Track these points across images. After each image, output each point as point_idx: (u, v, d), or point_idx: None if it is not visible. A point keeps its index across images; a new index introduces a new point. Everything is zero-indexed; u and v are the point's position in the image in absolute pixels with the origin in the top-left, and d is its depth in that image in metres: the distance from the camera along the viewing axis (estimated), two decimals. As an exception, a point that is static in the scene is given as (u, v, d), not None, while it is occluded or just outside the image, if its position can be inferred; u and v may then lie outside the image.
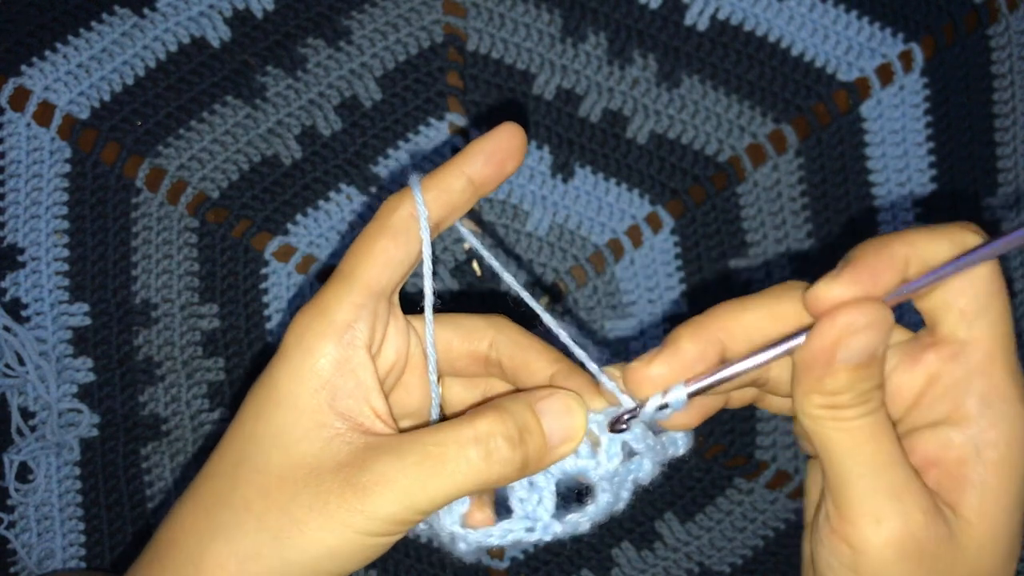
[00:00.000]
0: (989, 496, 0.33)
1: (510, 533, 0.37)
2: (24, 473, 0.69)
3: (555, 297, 0.71)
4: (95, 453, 0.69)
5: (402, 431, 0.37)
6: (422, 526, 0.38)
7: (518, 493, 0.37)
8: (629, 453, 0.38)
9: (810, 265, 0.71)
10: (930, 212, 0.72)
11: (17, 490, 0.69)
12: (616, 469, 0.37)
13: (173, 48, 0.68)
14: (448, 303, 0.69)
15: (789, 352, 0.34)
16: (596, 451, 0.37)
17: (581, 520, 0.38)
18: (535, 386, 0.39)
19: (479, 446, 0.34)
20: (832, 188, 0.71)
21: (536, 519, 0.37)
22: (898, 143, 0.71)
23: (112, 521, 0.70)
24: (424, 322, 0.39)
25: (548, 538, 0.38)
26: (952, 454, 0.34)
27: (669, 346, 0.36)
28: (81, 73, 0.68)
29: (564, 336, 0.39)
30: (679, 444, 0.39)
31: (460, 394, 0.42)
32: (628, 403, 0.37)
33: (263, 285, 0.70)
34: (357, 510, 0.34)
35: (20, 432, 0.68)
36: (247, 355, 0.70)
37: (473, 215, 0.70)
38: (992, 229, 0.73)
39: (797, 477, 0.72)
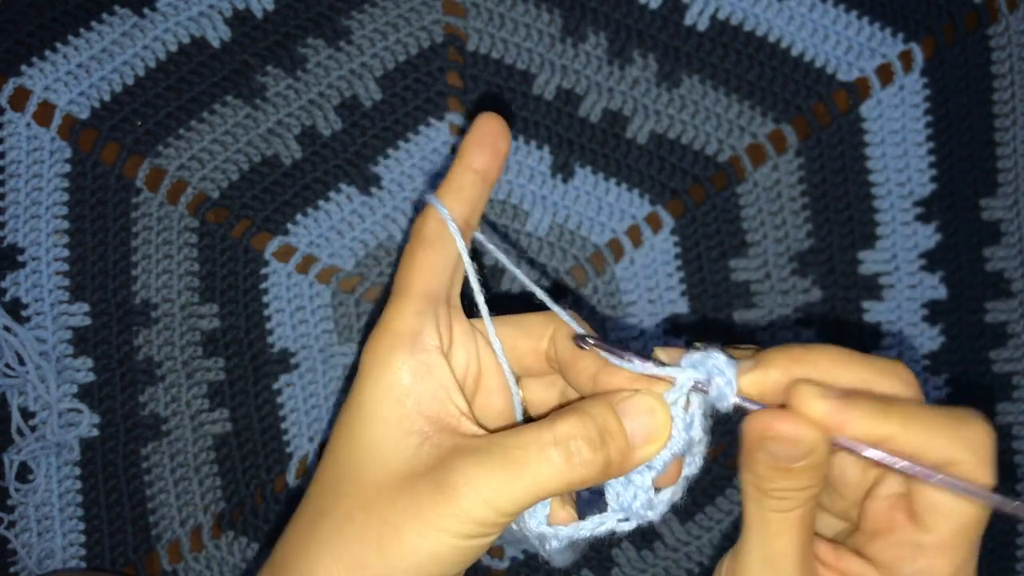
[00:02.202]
0: None
1: (603, 525, 0.38)
2: (24, 473, 0.69)
3: (558, 297, 0.71)
4: (95, 453, 0.69)
5: (489, 431, 0.38)
6: (514, 527, 0.39)
7: (615, 488, 0.38)
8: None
9: (810, 265, 0.71)
10: (930, 212, 0.72)
11: (17, 490, 0.69)
12: (693, 438, 0.38)
13: (173, 48, 0.68)
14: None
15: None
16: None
17: (672, 499, 0.39)
18: (581, 383, 0.40)
19: (559, 448, 0.35)
20: (832, 188, 0.71)
21: (631, 511, 0.38)
22: (898, 143, 0.71)
23: (112, 521, 0.70)
24: (484, 326, 0.41)
25: (642, 523, 0.39)
26: None
27: (760, 365, 0.36)
28: (81, 73, 0.68)
29: (580, 330, 0.40)
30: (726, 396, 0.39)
31: (539, 394, 0.43)
32: (682, 378, 0.37)
33: (263, 285, 0.70)
34: (448, 513, 0.35)
35: (20, 432, 0.68)
36: (247, 355, 0.70)
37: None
38: (993, 230, 0.73)
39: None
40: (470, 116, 0.69)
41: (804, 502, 0.35)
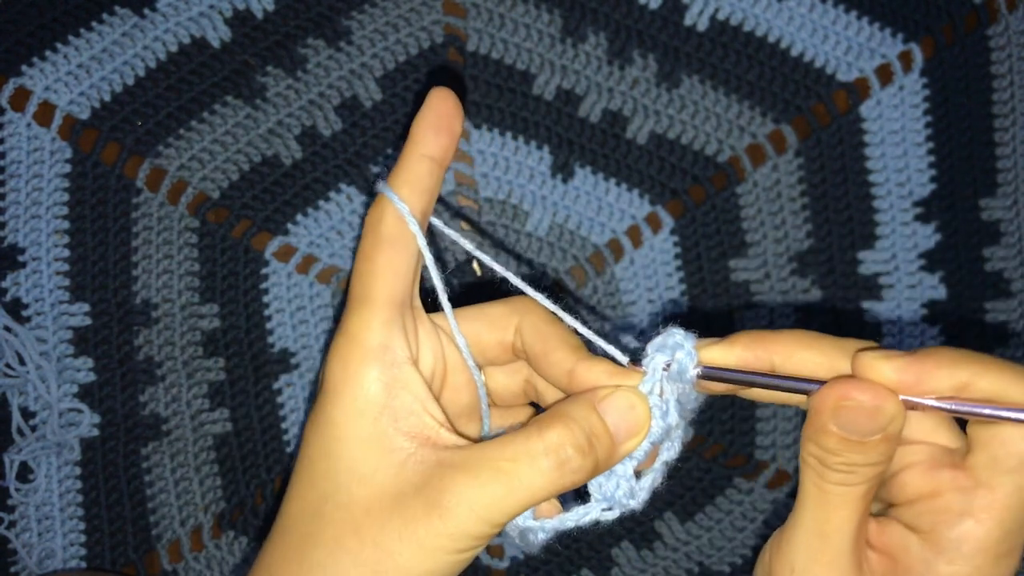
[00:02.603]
0: None
1: (587, 515, 0.38)
2: (24, 473, 0.69)
3: (557, 297, 0.71)
4: (95, 453, 0.69)
5: (462, 435, 0.37)
6: None
7: (598, 479, 0.38)
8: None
9: (809, 265, 0.72)
10: (930, 212, 0.72)
11: (17, 490, 0.69)
12: (671, 423, 0.38)
13: (173, 48, 0.68)
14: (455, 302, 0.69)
15: (802, 392, 0.35)
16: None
17: (653, 485, 0.39)
18: (555, 375, 0.39)
19: (550, 458, 0.35)
20: (832, 188, 0.71)
21: (614, 500, 0.38)
22: (898, 143, 0.71)
23: (112, 521, 0.70)
24: (446, 320, 0.40)
25: (624, 512, 0.39)
26: (906, 561, 0.35)
27: (725, 342, 0.37)
28: (81, 73, 0.68)
29: (573, 322, 0.40)
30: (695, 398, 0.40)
31: (502, 381, 0.43)
32: (651, 364, 0.38)
33: (263, 285, 0.70)
34: (444, 533, 0.34)
35: (20, 432, 0.68)
36: (247, 355, 0.70)
37: (473, 215, 0.70)
38: (992, 230, 0.73)
39: (797, 477, 0.72)
40: (471, 116, 0.69)
41: (871, 478, 0.34)
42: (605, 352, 0.39)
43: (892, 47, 0.70)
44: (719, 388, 0.39)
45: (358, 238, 0.70)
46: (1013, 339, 0.73)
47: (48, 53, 0.67)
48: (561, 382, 0.39)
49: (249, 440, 0.70)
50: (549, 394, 0.41)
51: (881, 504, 0.38)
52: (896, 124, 0.71)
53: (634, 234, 0.71)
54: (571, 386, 0.39)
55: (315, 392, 0.39)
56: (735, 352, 0.37)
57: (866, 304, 0.72)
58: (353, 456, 0.36)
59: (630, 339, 0.72)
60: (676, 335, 0.38)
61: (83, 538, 0.70)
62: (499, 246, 0.71)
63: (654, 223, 0.71)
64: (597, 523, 0.39)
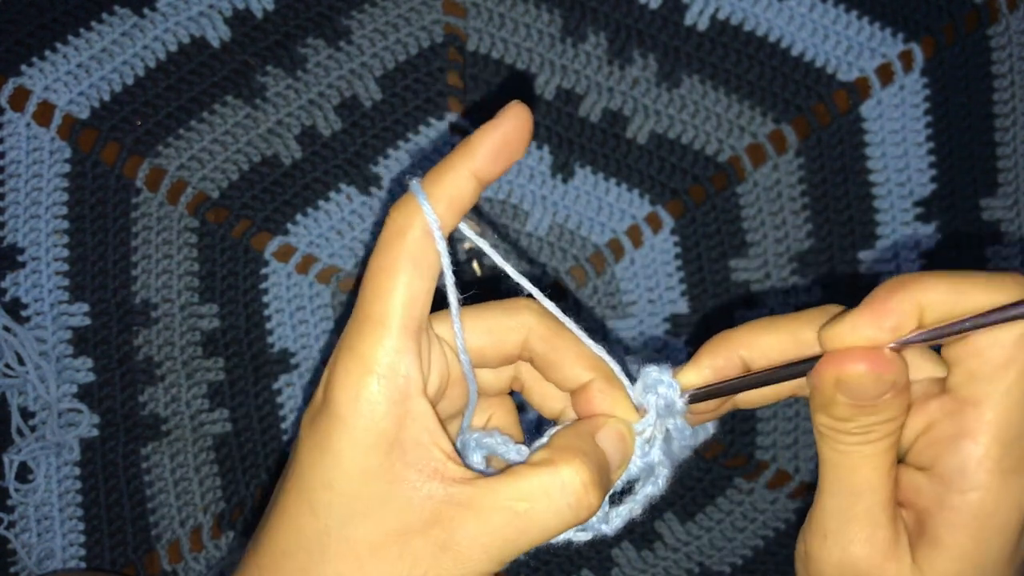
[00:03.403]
0: (944, 554, 0.34)
1: (561, 535, 0.38)
2: (24, 473, 0.69)
3: (556, 297, 0.71)
4: (95, 453, 0.69)
5: (470, 466, 0.36)
6: None
7: None
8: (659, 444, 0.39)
9: (810, 265, 0.71)
10: (930, 212, 0.72)
11: (17, 490, 0.69)
12: (653, 462, 0.38)
13: (173, 48, 0.68)
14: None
15: (795, 376, 0.35)
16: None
17: (631, 515, 0.39)
18: (568, 386, 0.39)
19: (568, 497, 0.34)
20: (832, 188, 0.71)
21: (587, 524, 0.38)
22: (898, 143, 0.71)
23: (112, 521, 0.70)
24: (450, 328, 0.38)
25: (596, 536, 0.39)
26: (921, 503, 0.34)
27: (692, 361, 0.37)
28: (81, 73, 0.68)
29: (579, 331, 0.39)
30: (705, 430, 0.41)
31: (489, 380, 0.41)
32: (651, 409, 0.38)
33: (263, 285, 0.70)
34: (454, 575, 0.34)
35: (20, 432, 0.68)
36: (247, 355, 0.70)
37: (472, 214, 0.70)
38: (993, 230, 0.73)
39: (797, 477, 0.72)
40: (470, 116, 0.69)
41: (890, 432, 0.33)
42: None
43: (893, 47, 0.70)
44: (709, 413, 0.38)
45: (358, 238, 0.70)
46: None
47: (47, 53, 0.67)
48: (569, 390, 0.39)
49: (249, 440, 0.70)
50: (535, 388, 0.41)
51: None
52: (897, 124, 0.71)
53: (634, 234, 0.71)
54: (578, 401, 0.38)
55: (310, 397, 0.38)
56: (704, 365, 0.37)
57: (866, 304, 0.72)
58: (359, 491, 0.34)
59: (630, 340, 0.72)
60: (651, 373, 0.37)
61: (82, 538, 0.70)
62: (499, 245, 0.71)
63: (654, 223, 0.71)
64: (569, 543, 0.38)
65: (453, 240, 0.70)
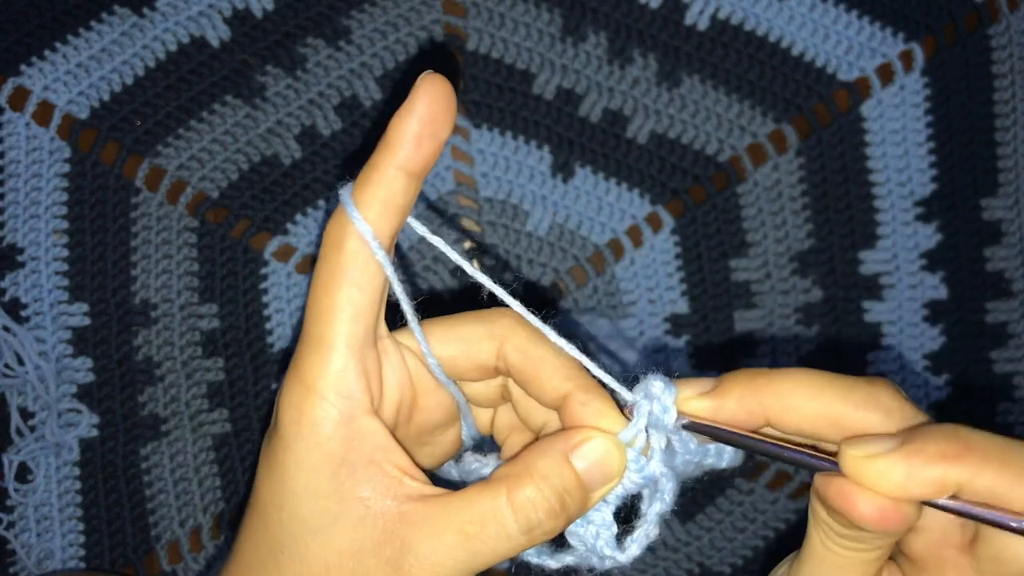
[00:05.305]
0: None
1: (566, 563, 0.36)
2: (24, 473, 0.69)
3: (556, 297, 0.71)
4: (95, 453, 0.69)
5: (434, 481, 0.35)
6: None
7: (572, 528, 0.36)
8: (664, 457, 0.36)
9: (810, 265, 0.71)
10: (930, 212, 0.72)
11: (17, 490, 0.68)
12: (656, 476, 0.36)
13: (173, 48, 0.68)
14: (449, 304, 0.69)
15: (803, 467, 0.33)
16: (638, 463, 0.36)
17: (649, 537, 0.36)
18: (549, 400, 0.37)
19: (520, 522, 0.33)
20: (832, 188, 0.71)
21: (595, 551, 0.36)
22: (898, 143, 0.71)
23: (112, 521, 0.70)
24: (415, 338, 0.36)
25: (613, 565, 0.36)
26: None
27: (717, 392, 0.34)
28: (81, 73, 0.68)
29: (562, 342, 0.36)
30: (729, 454, 0.37)
31: (479, 390, 0.40)
32: (637, 419, 0.35)
33: (263, 285, 0.70)
34: None
35: (20, 432, 0.68)
36: (247, 355, 0.70)
37: (473, 215, 0.70)
38: (993, 230, 0.73)
39: (797, 477, 0.72)
40: (470, 116, 0.69)
41: (882, 546, 0.32)
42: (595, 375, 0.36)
43: (893, 46, 0.70)
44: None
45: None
46: (1013, 339, 0.73)
47: (47, 53, 0.67)
48: (552, 405, 0.37)
49: (248, 440, 0.70)
50: (520, 402, 0.39)
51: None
52: (897, 124, 0.71)
53: (634, 234, 0.71)
54: (562, 416, 0.37)
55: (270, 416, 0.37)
56: (727, 407, 0.33)
57: (867, 304, 0.72)
58: (308, 510, 0.33)
59: (630, 341, 0.72)
60: (655, 385, 0.34)
61: (82, 539, 0.70)
62: (499, 247, 0.71)
63: (654, 223, 0.71)
64: (592, 570, 0.36)
65: (451, 240, 0.70)
